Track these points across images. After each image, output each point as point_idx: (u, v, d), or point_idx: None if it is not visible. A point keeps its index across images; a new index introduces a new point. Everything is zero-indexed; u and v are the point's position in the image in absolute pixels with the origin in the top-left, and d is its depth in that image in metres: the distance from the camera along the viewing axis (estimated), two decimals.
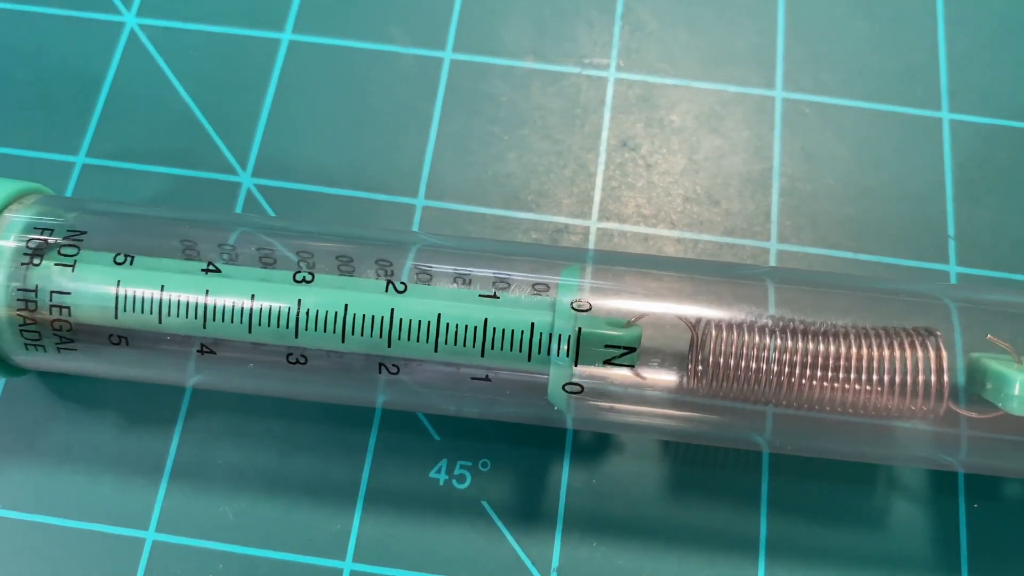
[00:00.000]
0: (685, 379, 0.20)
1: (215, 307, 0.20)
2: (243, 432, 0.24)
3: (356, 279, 0.21)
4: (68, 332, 0.21)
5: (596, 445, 0.24)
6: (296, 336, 0.20)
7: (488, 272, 0.21)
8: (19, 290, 0.20)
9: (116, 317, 0.20)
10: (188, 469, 0.24)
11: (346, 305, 0.20)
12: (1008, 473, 0.22)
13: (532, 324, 0.20)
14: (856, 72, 0.28)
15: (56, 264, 0.20)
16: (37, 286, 0.20)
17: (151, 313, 0.20)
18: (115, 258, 0.20)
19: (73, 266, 0.20)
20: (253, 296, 0.20)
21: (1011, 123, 0.27)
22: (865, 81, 0.28)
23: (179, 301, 0.20)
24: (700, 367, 0.20)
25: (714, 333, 0.20)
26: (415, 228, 0.26)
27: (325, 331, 0.20)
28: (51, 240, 0.21)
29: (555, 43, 0.28)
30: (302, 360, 0.21)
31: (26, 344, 0.21)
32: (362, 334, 0.20)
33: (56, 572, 0.23)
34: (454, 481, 0.23)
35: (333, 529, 0.23)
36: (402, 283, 0.20)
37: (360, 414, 0.24)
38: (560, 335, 0.19)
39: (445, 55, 0.28)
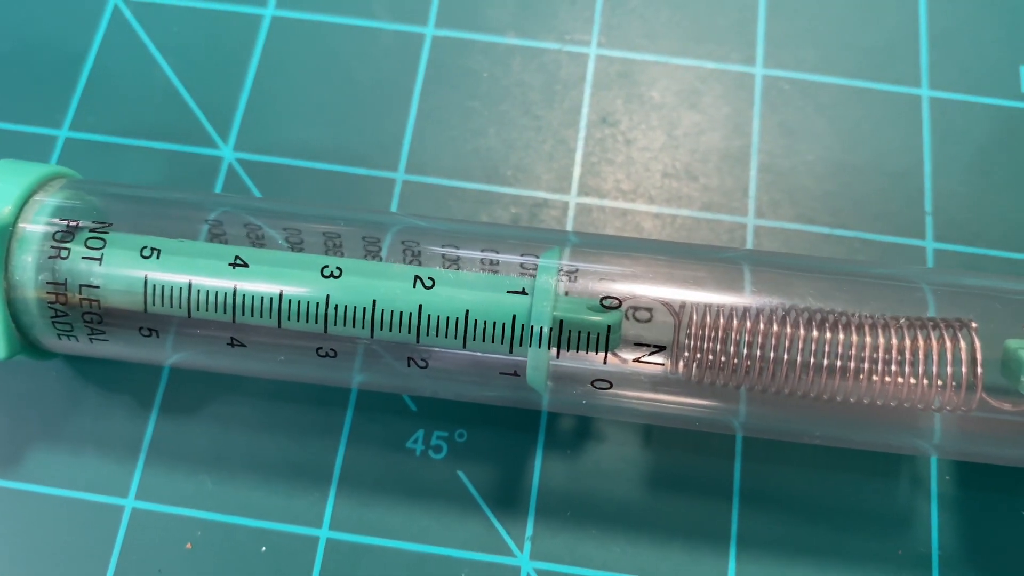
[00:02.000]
0: (670, 365, 0.20)
1: (243, 303, 0.20)
2: (222, 404, 0.24)
3: (382, 265, 0.21)
4: (99, 324, 0.21)
5: (572, 417, 0.24)
6: (325, 331, 0.20)
7: (461, 253, 0.21)
8: (48, 283, 0.20)
9: (146, 310, 0.20)
10: (168, 441, 0.24)
11: (374, 301, 0.20)
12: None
13: (563, 322, 0.19)
14: (836, 49, 0.28)
15: (84, 258, 0.20)
16: (67, 280, 0.20)
17: (180, 307, 0.20)
18: (142, 251, 0.20)
19: (100, 259, 0.20)
20: (282, 293, 0.20)
21: (989, 100, 0.27)
22: (845, 58, 0.28)
23: (208, 295, 0.20)
24: (687, 354, 0.19)
25: (696, 318, 0.19)
26: (394, 202, 0.26)
27: (354, 327, 0.20)
28: (77, 232, 0.21)
29: (536, 19, 0.28)
30: (332, 353, 0.21)
31: (59, 334, 0.21)
32: (391, 329, 0.20)
33: (34, 539, 0.23)
34: (430, 451, 0.24)
35: (310, 497, 0.23)
36: (430, 278, 0.20)
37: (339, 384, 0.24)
38: (539, 323, 0.19)
39: (427, 31, 0.28)
